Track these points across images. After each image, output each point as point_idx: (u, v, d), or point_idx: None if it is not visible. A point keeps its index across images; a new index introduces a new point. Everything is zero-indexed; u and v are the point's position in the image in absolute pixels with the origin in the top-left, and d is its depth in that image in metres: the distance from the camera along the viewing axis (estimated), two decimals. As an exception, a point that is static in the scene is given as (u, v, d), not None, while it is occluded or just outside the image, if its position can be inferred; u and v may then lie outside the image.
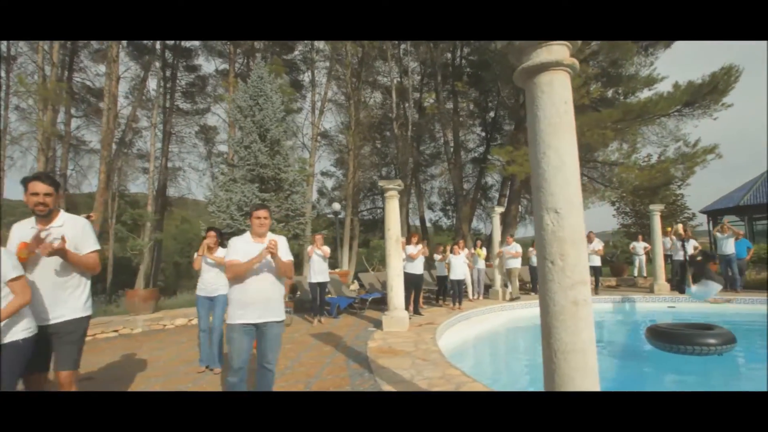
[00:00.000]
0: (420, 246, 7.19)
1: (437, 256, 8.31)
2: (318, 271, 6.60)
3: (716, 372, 4.68)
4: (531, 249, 10.16)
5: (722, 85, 13.07)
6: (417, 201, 23.33)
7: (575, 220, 1.79)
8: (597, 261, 10.06)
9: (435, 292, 9.00)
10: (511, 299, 8.79)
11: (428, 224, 23.81)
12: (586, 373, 1.73)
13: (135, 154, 20.82)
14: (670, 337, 4.81)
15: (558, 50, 1.83)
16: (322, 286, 6.70)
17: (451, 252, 8.09)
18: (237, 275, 2.60)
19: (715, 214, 19.54)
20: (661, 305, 9.36)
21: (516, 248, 9.36)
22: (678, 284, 10.44)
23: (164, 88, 20.25)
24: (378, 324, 6.19)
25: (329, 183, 26.21)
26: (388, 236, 6.18)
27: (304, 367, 4.25)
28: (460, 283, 7.97)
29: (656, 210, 10.12)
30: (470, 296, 9.37)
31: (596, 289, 10.16)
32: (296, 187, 12.15)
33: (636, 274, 12.29)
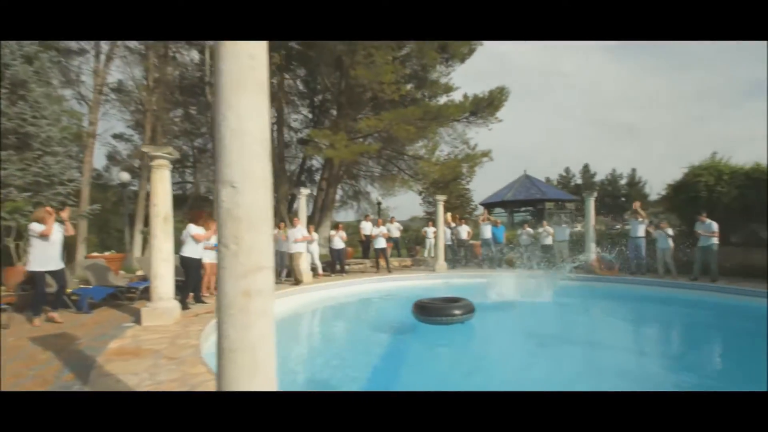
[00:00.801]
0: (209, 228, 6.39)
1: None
2: (45, 255, 5.05)
3: (459, 337, 5.51)
4: (332, 232, 10.43)
5: (496, 101, 16.01)
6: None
7: (256, 197, 1.53)
8: (382, 243, 11.04)
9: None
10: (295, 283, 8.64)
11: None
12: (255, 372, 1.52)
13: None
14: (428, 310, 5.44)
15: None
16: (56, 274, 5.19)
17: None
18: None
19: (488, 206, 24.20)
20: (439, 281, 10.89)
21: (302, 232, 9.14)
22: (452, 263, 12.47)
23: None
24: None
25: (124, 148, 21.73)
26: (155, 213, 5.22)
27: (-13, 387, 3.10)
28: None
29: (440, 199, 11.68)
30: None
31: (388, 268, 11.18)
32: (55, 146, 9.42)
33: (426, 254, 14.09)
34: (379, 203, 23.14)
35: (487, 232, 12.53)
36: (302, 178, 22.98)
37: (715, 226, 8.76)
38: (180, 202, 21.58)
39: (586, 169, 51.66)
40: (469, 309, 5.52)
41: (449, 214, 12.67)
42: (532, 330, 6.25)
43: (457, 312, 5.36)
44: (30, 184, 8.89)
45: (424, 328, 5.60)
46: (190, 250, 6.03)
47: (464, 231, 12.85)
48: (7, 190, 8.41)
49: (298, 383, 4.05)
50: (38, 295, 5.04)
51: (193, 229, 6.08)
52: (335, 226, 10.78)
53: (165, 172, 5.31)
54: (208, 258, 7.27)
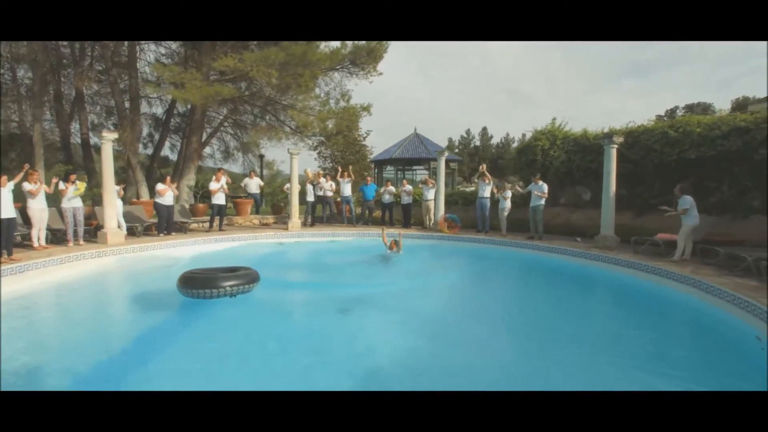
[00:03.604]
0: None
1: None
2: None
3: (229, 314, 4.78)
4: (160, 186, 9.05)
5: (376, 51, 15.16)
6: (79, 117, 18.17)
7: None
8: (221, 199, 10.07)
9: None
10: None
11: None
12: None
13: None
14: (189, 283, 4.69)
15: None
16: None
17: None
18: None
19: (379, 163, 23.96)
20: (291, 239, 10.27)
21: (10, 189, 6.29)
22: (305, 220, 11.96)
23: None
24: None
25: None
26: None
27: None
28: (11, 224, 6.02)
29: (294, 153, 10.83)
30: (69, 240, 7.59)
31: (220, 227, 10.57)
32: None
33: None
34: (261, 156, 21.49)
35: (346, 189, 12.07)
36: (171, 122, 20.23)
37: (545, 187, 9.26)
38: (5, 143, 17.66)
39: (484, 131, 54.37)
40: (246, 280, 4.89)
41: (307, 170, 11.92)
42: (317, 299, 5.68)
43: (224, 284, 4.70)
44: None
45: (184, 304, 4.88)
46: None
47: (328, 187, 12.24)
48: None
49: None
50: None
51: None
52: (164, 180, 9.35)
53: None
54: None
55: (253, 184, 12.64)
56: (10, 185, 6.21)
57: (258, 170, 21.36)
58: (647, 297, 5.63)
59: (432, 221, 11.32)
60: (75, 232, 7.62)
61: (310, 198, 11.64)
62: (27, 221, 7.12)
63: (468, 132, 54.87)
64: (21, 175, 6.59)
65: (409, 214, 12.01)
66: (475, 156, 50.29)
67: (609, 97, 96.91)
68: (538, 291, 6.40)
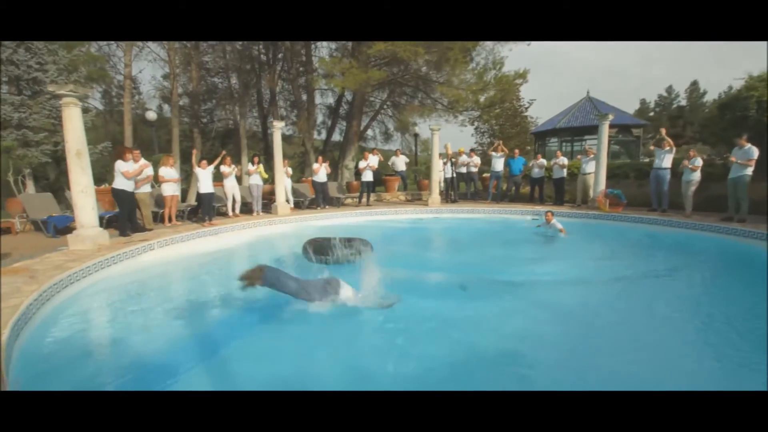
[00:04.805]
0: (135, 163, 6.76)
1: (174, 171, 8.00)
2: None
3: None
4: (315, 165, 10.34)
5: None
6: (272, 112, 22.17)
7: None
8: (369, 176, 10.72)
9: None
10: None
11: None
12: None
13: None
14: (316, 249, 5.31)
15: None
16: None
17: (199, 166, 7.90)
18: None
19: (541, 135, 21.72)
20: (429, 215, 10.44)
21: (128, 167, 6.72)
22: (447, 197, 11.83)
23: None
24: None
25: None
26: (68, 149, 5.65)
27: None
28: (210, 197, 7.93)
29: (435, 129, 10.76)
30: (253, 210, 9.53)
31: (368, 202, 11.31)
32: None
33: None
34: (416, 135, 22.17)
35: (498, 164, 11.40)
36: (339, 110, 22.70)
37: (754, 152, 6.88)
38: (226, 137, 22.99)
39: (694, 87, 42.94)
40: (357, 251, 5.28)
41: (447, 145, 11.68)
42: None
43: (346, 251, 5.17)
44: (48, 124, 10.14)
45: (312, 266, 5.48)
46: (121, 183, 6.51)
47: (472, 163, 11.82)
48: (7, 131, 9.47)
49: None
50: None
51: (122, 165, 6.49)
52: (317, 159, 10.65)
53: (74, 110, 5.60)
54: (170, 191, 7.81)
55: (400, 162, 13.21)
56: (210, 168, 8.10)
57: (414, 149, 22.19)
58: None
59: (589, 198, 9.77)
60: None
61: (448, 174, 11.50)
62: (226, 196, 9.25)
63: (669, 90, 44.37)
64: (218, 159, 8.53)
65: (562, 190, 10.63)
66: (678, 119, 40.28)
67: None
68: (735, 291, 4.74)
